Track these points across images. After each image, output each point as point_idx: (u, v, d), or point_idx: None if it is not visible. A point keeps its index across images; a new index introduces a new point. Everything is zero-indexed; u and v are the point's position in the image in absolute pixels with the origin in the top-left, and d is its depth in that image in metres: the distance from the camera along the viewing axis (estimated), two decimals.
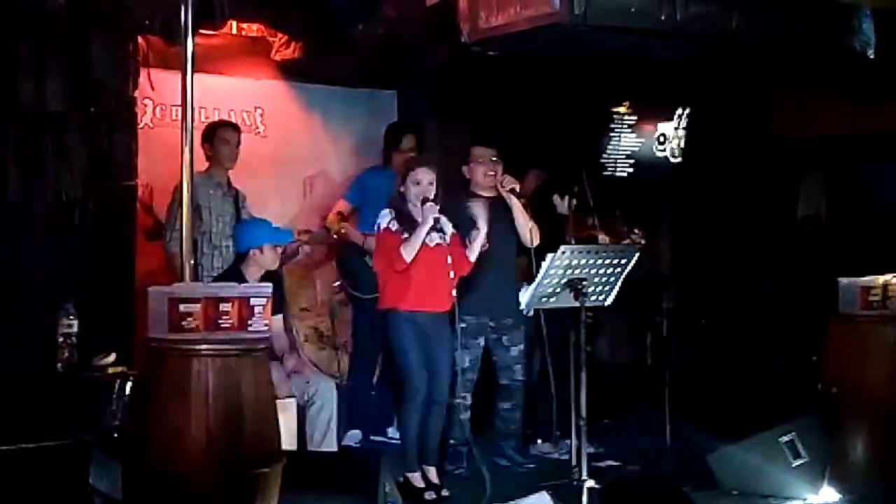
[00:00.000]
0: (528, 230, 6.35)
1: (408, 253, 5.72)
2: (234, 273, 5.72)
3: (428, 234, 5.75)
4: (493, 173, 6.44)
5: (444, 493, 5.89)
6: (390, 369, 6.94)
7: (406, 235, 5.77)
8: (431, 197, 5.78)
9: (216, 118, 6.93)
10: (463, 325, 6.06)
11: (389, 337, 5.96)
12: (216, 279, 5.96)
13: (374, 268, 6.12)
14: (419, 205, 5.78)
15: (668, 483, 5.58)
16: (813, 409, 5.89)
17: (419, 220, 5.77)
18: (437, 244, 5.80)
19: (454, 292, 5.67)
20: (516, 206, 6.39)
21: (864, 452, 5.81)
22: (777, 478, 5.74)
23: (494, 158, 6.47)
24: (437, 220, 5.73)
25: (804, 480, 5.73)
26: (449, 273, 5.68)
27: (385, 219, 5.87)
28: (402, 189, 5.90)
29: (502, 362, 6.54)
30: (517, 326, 6.51)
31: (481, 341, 6.41)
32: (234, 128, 6.66)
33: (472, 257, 5.88)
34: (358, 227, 7.07)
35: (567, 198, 7.04)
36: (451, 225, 5.82)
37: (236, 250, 6.00)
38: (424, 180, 5.84)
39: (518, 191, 6.41)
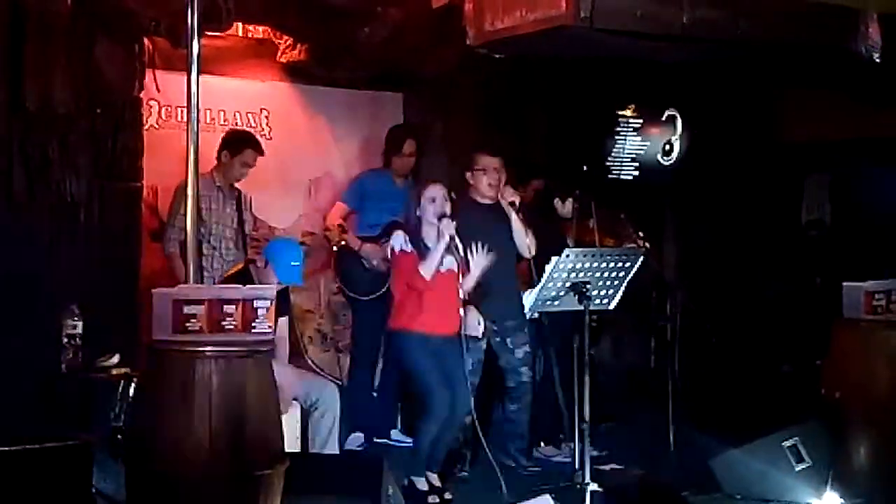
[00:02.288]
0: (525, 242, 6.33)
1: (427, 271, 5.77)
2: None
3: (443, 255, 5.78)
4: (496, 183, 6.40)
5: (447, 496, 5.89)
6: (391, 372, 6.97)
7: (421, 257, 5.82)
8: (447, 212, 5.84)
9: (222, 120, 6.94)
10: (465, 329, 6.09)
11: (403, 357, 6.02)
12: (225, 280, 5.97)
13: (392, 289, 6.13)
14: (436, 222, 5.83)
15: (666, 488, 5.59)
16: (816, 414, 5.89)
17: (433, 240, 5.83)
18: (449, 269, 5.88)
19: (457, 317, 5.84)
20: (514, 219, 6.35)
21: (867, 457, 5.79)
22: (780, 482, 5.72)
23: (498, 167, 6.43)
24: (451, 238, 5.77)
25: (807, 485, 5.72)
26: (456, 297, 5.82)
27: (398, 241, 5.90)
28: (417, 213, 5.93)
29: (508, 365, 6.52)
30: (521, 328, 6.49)
31: (483, 344, 6.39)
32: (261, 153, 6.60)
33: (462, 293, 5.93)
34: (357, 229, 7.07)
35: (569, 201, 7.04)
36: (462, 248, 5.84)
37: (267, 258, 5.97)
38: (439, 197, 5.89)
39: (518, 204, 6.37)
